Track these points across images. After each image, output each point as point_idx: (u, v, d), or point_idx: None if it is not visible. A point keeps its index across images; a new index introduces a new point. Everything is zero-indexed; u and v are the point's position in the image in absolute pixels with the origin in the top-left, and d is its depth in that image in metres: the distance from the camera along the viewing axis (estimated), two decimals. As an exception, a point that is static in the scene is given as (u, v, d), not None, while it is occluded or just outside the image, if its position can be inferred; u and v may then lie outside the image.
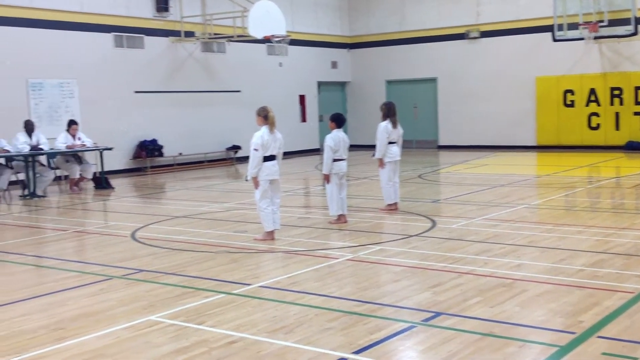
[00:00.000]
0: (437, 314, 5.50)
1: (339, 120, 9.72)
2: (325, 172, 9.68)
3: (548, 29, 20.76)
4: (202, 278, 6.91)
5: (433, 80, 24.03)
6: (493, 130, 22.82)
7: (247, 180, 8.78)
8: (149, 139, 18.76)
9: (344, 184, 9.83)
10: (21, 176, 14.29)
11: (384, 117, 10.65)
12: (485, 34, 22.71)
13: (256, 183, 8.62)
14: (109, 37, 17.91)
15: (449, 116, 23.81)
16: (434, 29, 23.65)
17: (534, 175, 16.16)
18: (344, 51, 25.43)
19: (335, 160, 9.59)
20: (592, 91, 21.06)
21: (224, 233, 9.40)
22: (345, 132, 10.13)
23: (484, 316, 5.41)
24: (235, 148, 20.92)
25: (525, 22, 21.95)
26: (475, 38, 22.90)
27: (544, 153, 21.10)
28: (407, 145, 22.75)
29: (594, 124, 21.17)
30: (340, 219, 9.77)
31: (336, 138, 9.58)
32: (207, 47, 20.42)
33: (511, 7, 22.22)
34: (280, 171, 8.81)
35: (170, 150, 19.33)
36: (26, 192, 13.97)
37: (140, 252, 8.34)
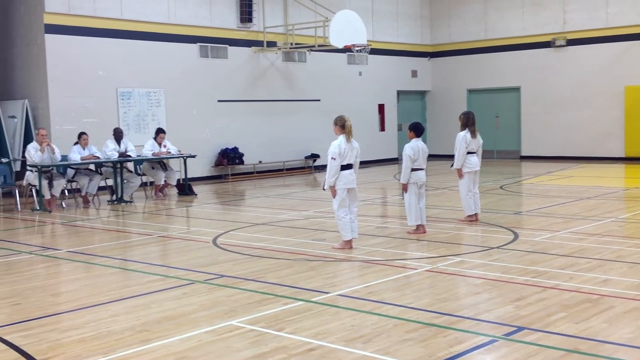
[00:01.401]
0: (520, 329, 5.37)
1: (417, 130, 9.65)
2: (403, 181, 9.63)
3: (638, 37, 20.01)
4: (280, 285, 6.98)
5: (516, 89, 23.54)
6: (579, 141, 22.14)
7: (324, 189, 8.83)
8: (230, 147, 19.15)
9: (423, 194, 9.74)
10: (110, 182, 14.85)
11: (463, 127, 10.55)
12: (572, 42, 22.07)
13: (333, 192, 8.65)
14: (194, 48, 18.40)
15: (532, 126, 23.25)
16: (518, 37, 23.18)
17: (622, 187, 15.57)
18: (424, 60, 25.25)
19: (413, 169, 9.52)
20: (685, 101, 20.22)
21: (302, 241, 9.48)
22: (425, 141, 10.05)
23: (568, 332, 5.25)
24: (314, 157, 21.07)
25: (614, 29, 21.23)
26: (561, 46, 22.30)
27: (632, 165, 20.29)
28: (488, 155, 22.45)
29: (686, 135, 20.31)
30: (419, 229, 9.69)
31: (415, 147, 9.51)
32: (288, 57, 20.69)
33: (599, 14, 21.53)
34: (357, 180, 8.82)
35: (251, 158, 19.65)
36: (114, 197, 14.50)
37: (221, 257, 8.50)
